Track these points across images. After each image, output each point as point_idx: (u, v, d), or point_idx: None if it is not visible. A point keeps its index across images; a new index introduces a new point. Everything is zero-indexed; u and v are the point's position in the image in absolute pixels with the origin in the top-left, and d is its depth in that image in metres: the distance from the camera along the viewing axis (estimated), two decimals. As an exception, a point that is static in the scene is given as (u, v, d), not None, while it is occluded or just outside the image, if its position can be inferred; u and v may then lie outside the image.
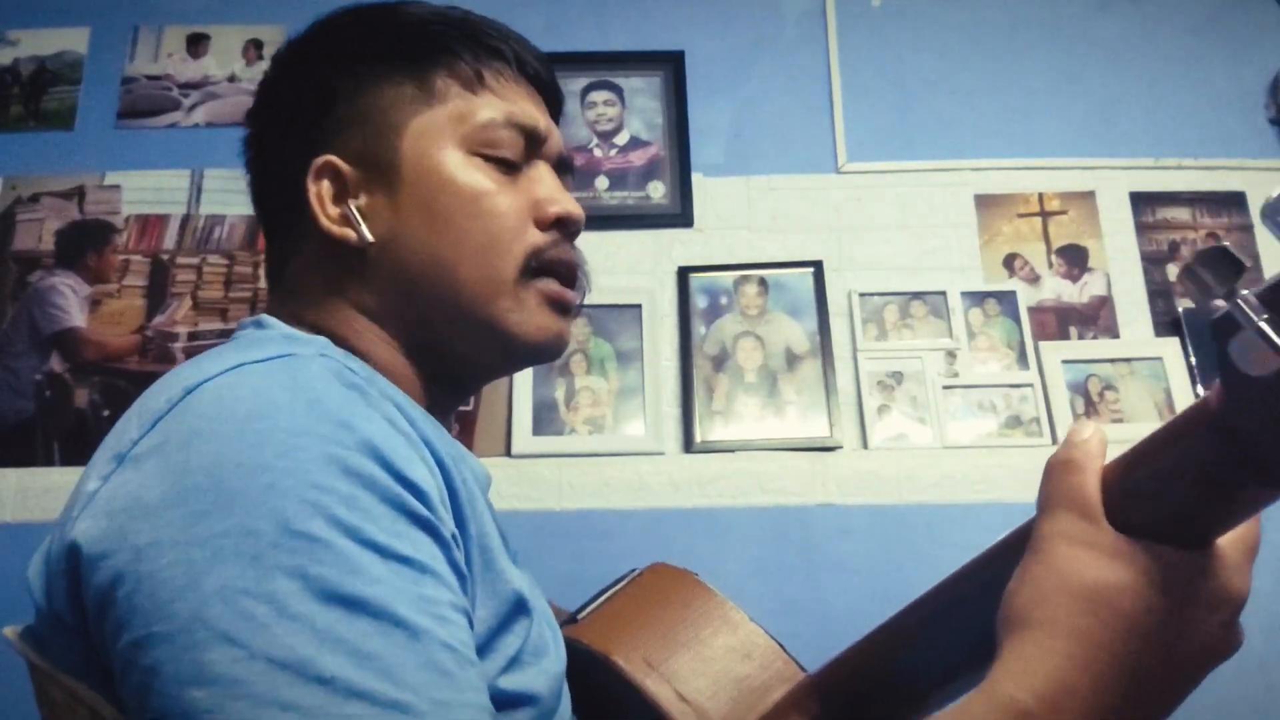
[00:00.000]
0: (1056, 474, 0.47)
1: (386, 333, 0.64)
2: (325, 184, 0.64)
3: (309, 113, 0.66)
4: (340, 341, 0.62)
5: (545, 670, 0.56)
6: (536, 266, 0.65)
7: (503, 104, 0.66)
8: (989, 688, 0.44)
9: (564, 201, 0.66)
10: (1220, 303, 0.37)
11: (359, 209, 0.63)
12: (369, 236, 0.63)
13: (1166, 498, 0.43)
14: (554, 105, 0.72)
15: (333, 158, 0.64)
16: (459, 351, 0.65)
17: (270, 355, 0.51)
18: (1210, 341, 0.38)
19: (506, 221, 0.64)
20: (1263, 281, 0.36)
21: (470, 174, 0.64)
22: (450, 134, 0.64)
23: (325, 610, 0.42)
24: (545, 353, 0.66)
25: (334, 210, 0.63)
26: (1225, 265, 0.37)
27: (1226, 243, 0.37)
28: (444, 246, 0.62)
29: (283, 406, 0.47)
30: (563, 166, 0.70)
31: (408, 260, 0.63)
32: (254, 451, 0.45)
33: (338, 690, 0.41)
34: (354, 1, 0.70)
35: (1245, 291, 0.36)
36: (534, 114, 0.67)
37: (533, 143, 0.67)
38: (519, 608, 0.54)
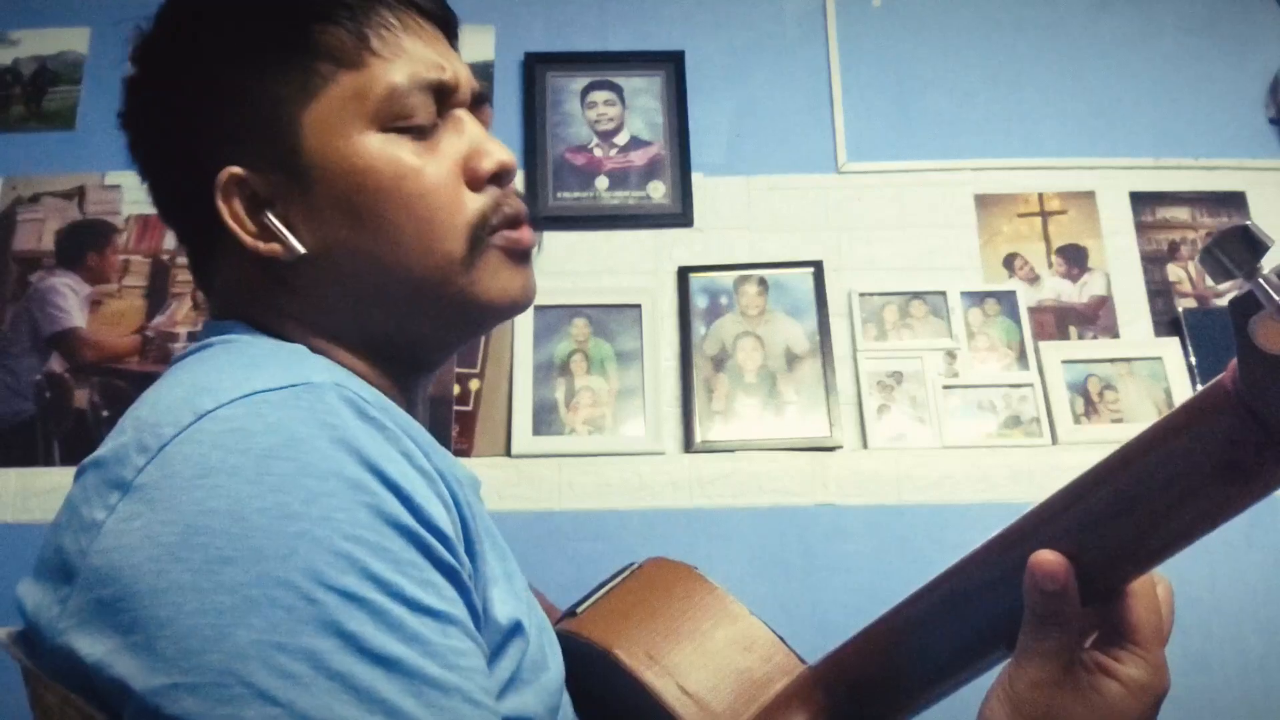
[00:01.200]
0: None
1: (342, 341, 0.60)
2: (235, 201, 0.58)
3: (195, 121, 0.59)
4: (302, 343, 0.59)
5: (544, 686, 0.55)
6: (486, 232, 0.60)
7: (396, 66, 0.58)
8: None
9: (493, 152, 0.60)
10: (1238, 283, 0.37)
11: (280, 219, 0.58)
12: (299, 248, 0.57)
13: (1177, 489, 0.42)
14: (450, 32, 0.64)
15: (236, 169, 0.57)
16: (425, 334, 0.61)
17: (282, 383, 0.48)
18: (1229, 320, 0.37)
19: (439, 198, 0.58)
20: None
21: (384, 156, 0.57)
22: (350, 117, 0.57)
23: (362, 668, 0.41)
24: (516, 308, 0.62)
25: (252, 226, 0.58)
26: (1245, 244, 0.37)
27: (1248, 222, 0.37)
28: (381, 245, 0.57)
29: (304, 443, 0.45)
30: (479, 100, 0.63)
31: (347, 267, 0.58)
32: (278, 495, 0.43)
33: None
34: None
35: (1267, 270, 0.36)
36: (435, 62, 0.60)
37: (443, 95, 0.60)
38: (514, 632, 0.54)
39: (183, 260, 1.84)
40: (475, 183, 0.60)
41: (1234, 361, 0.39)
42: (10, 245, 1.85)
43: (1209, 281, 1.85)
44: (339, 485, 0.44)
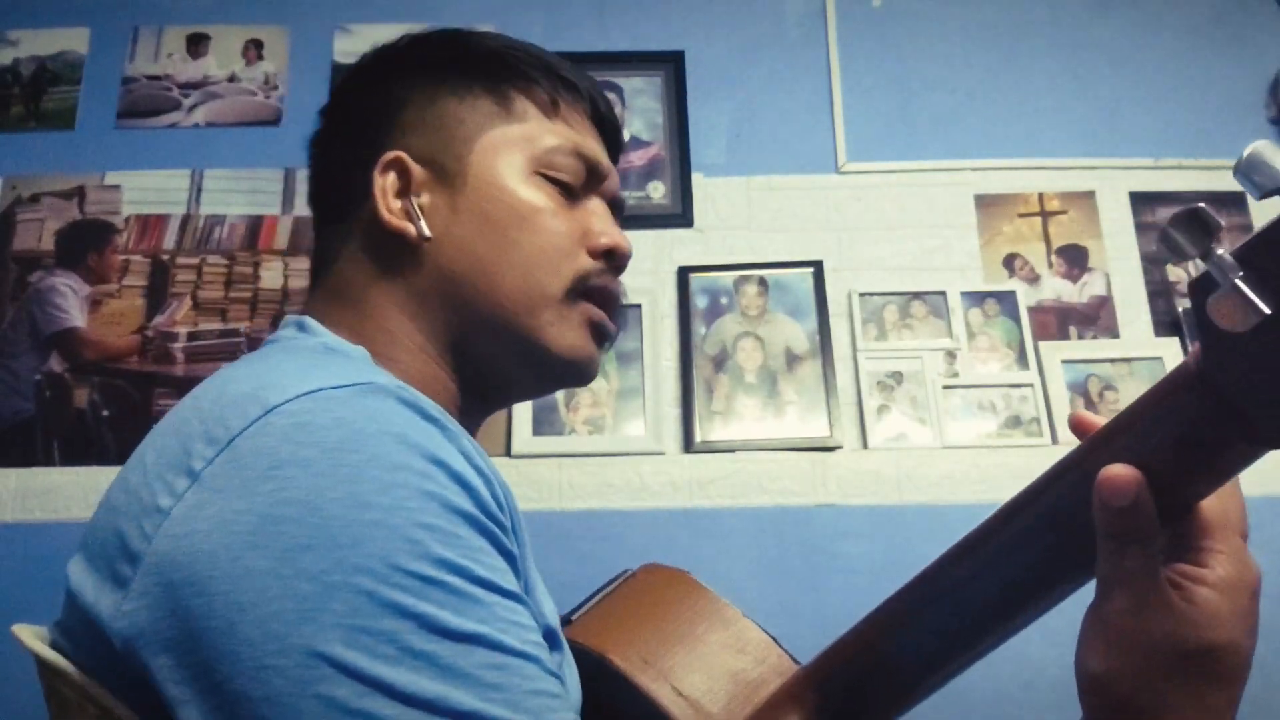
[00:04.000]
0: None
1: (422, 334, 0.65)
2: (391, 178, 0.66)
3: (380, 112, 0.69)
4: (377, 348, 0.63)
5: (570, 704, 0.56)
6: (583, 290, 0.67)
7: (572, 134, 0.70)
8: None
9: (616, 235, 0.69)
10: (1197, 263, 0.38)
11: (420, 206, 0.66)
12: (426, 232, 0.65)
13: (1152, 465, 0.42)
14: (615, 150, 0.76)
15: (401, 154, 0.66)
16: (492, 359, 0.67)
17: (346, 382, 0.50)
18: (1190, 301, 0.38)
19: (559, 241, 0.67)
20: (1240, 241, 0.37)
21: (531, 190, 0.67)
22: (519, 151, 0.67)
23: (445, 646, 0.43)
24: (577, 372, 0.68)
25: (395, 204, 0.66)
26: (1198, 226, 0.38)
27: (1200, 204, 0.38)
28: (492, 252, 0.65)
29: (371, 438, 0.47)
30: (616, 207, 0.73)
31: (456, 260, 0.65)
32: (350, 486, 0.45)
33: None
34: (429, 28, 0.74)
35: (1221, 250, 0.37)
36: (598, 151, 0.71)
37: (594, 176, 0.70)
38: (551, 640, 0.55)
39: (182, 260, 1.85)
40: (593, 250, 0.68)
41: (1197, 344, 0.40)
42: (10, 245, 1.85)
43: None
44: (408, 476, 0.46)
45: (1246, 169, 0.37)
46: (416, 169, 0.66)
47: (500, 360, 0.67)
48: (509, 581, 0.47)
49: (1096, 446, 0.45)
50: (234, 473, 0.46)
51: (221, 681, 0.43)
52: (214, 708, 0.44)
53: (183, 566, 0.45)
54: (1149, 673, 0.43)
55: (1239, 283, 0.36)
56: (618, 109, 1.96)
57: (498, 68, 0.70)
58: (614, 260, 0.69)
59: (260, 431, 0.47)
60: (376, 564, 0.43)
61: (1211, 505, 0.44)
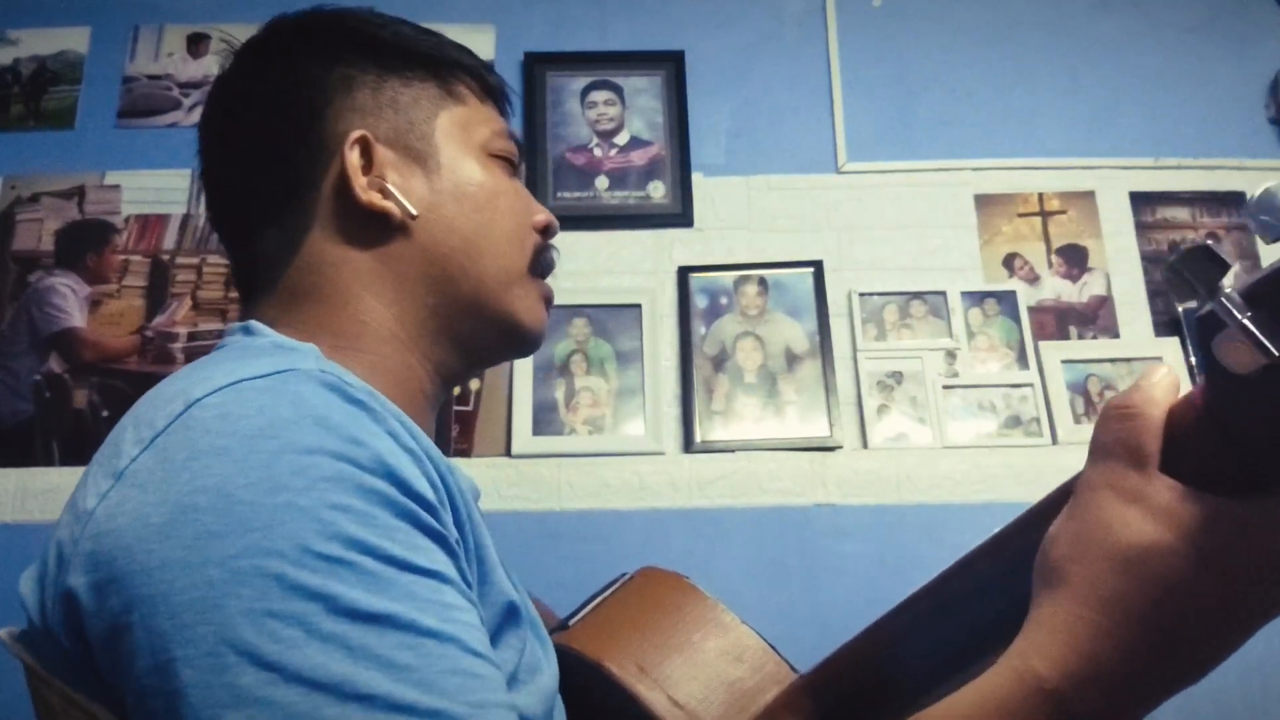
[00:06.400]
0: (1111, 419, 0.44)
1: (395, 319, 0.65)
2: (354, 157, 0.65)
3: (325, 95, 0.67)
4: (342, 341, 0.62)
5: (540, 688, 0.56)
6: (537, 265, 0.71)
7: (498, 115, 0.73)
8: (1015, 661, 0.43)
9: (546, 211, 0.73)
10: (1198, 302, 0.37)
11: (394, 186, 0.65)
12: (413, 210, 0.65)
13: (1238, 442, 0.40)
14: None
15: (366, 133, 0.65)
16: (466, 337, 0.68)
17: (268, 371, 0.50)
18: (1194, 339, 0.38)
19: (521, 219, 0.70)
20: (1245, 279, 0.36)
21: (493, 171, 0.69)
22: (471, 133, 0.69)
23: (355, 628, 0.42)
24: (536, 342, 0.72)
25: (363, 182, 0.65)
26: (1207, 263, 0.37)
27: (1209, 241, 0.37)
28: (475, 231, 0.67)
29: (290, 423, 0.46)
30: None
31: (440, 240, 0.66)
32: (265, 471, 0.44)
33: (378, 706, 0.41)
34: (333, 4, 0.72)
35: (1229, 289, 0.36)
36: (512, 129, 0.75)
37: (518, 156, 0.73)
38: (512, 617, 0.54)
39: (182, 260, 1.84)
40: (536, 226, 0.72)
41: (1202, 380, 0.39)
42: (9, 245, 1.85)
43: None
44: (323, 459, 0.45)
45: (1257, 209, 0.37)
46: (382, 149, 0.66)
47: (477, 336, 0.68)
48: (433, 561, 0.46)
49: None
50: (155, 467, 0.46)
51: (138, 676, 0.43)
52: (135, 705, 0.44)
53: (102, 565, 0.45)
54: (1099, 559, 0.41)
55: (1247, 323, 0.35)
56: (616, 108, 1.97)
57: (428, 51, 0.70)
58: (549, 235, 0.73)
59: (182, 425, 0.47)
60: (287, 546, 0.43)
61: None
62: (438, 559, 0.47)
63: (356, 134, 0.65)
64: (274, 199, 0.67)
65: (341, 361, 0.58)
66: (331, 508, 0.44)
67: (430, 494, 0.48)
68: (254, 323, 0.62)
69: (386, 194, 0.65)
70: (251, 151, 0.68)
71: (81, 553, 0.46)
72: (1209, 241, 0.37)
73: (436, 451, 0.53)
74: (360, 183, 0.64)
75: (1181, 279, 0.38)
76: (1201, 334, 0.38)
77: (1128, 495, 0.42)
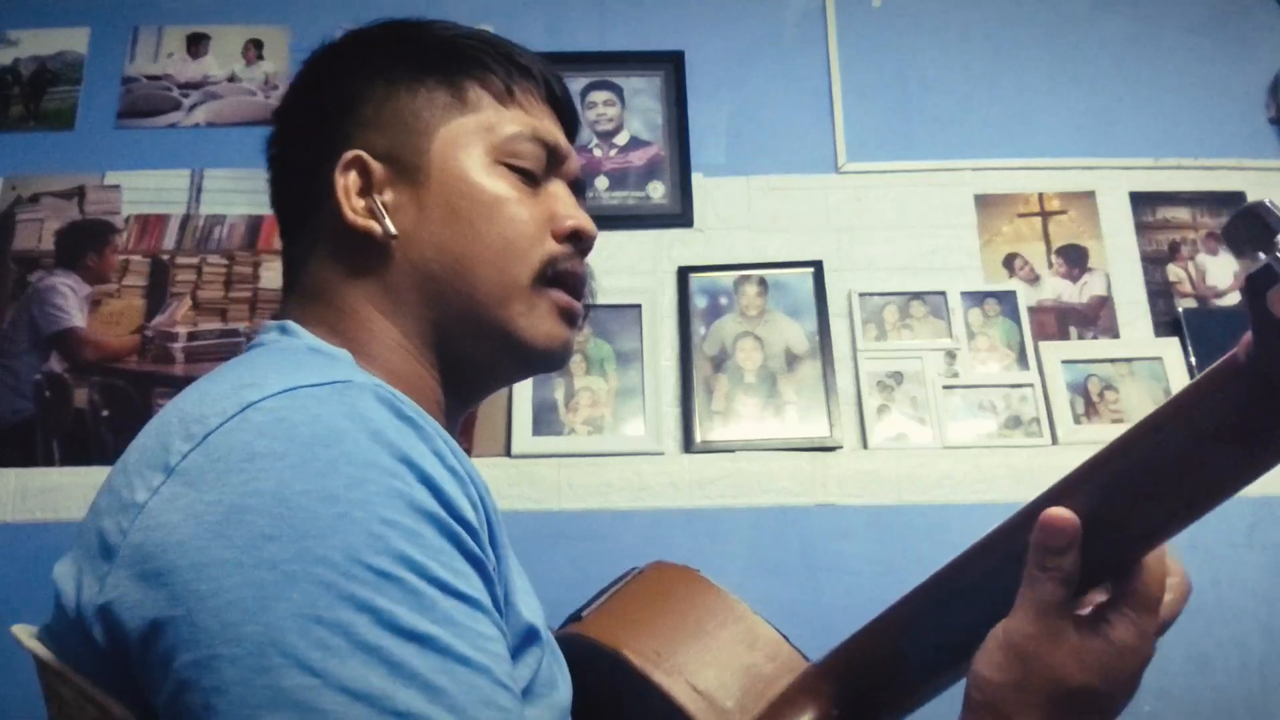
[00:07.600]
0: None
1: (400, 331, 0.65)
2: (352, 176, 0.65)
3: (337, 111, 0.68)
4: (359, 346, 0.63)
5: (554, 704, 0.56)
6: (551, 275, 0.67)
7: (529, 119, 0.69)
8: None
9: (579, 217, 0.69)
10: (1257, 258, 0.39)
11: (384, 204, 0.65)
12: (392, 229, 0.64)
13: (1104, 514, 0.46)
14: (572, 130, 0.75)
15: (361, 152, 0.66)
16: (469, 354, 0.67)
17: (323, 380, 0.50)
18: (1246, 294, 0.40)
19: (525, 229, 0.67)
20: None
21: (494, 180, 0.66)
22: (478, 141, 0.67)
23: (397, 644, 0.43)
24: (551, 359, 0.69)
25: (359, 203, 0.65)
26: (1261, 223, 0.40)
27: (1264, 200, 0.41)
28: (463, 246, 0.65)
29: (346, 435, 0.47)
30: (578, 187, 0.73)
31: (427, 257, 0.65)
32: (320, 480, 0.45)
33: None
34: (386, 17, 0.73)
35: None
36: (556, 133, 0.71)
37: (553, 160, 0.70)
38: (531, 639, 0.55)
39: (182, 260, 1.85)
40: (557, 234, 0.68)
41: (1247, 335, 0.41)
42: (10, 245, 1.85)
43: (1208, 280, 1.85)
44: (376, 474, 0.46)
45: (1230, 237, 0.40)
46: (377, 166, 0.66)
47: (479, 352, 0.67)
48: (471, 586, 0.47)
49: (1114, 454, 0.47)
50: (208, 466, 0.47)
51: (178, 669, 0.44)
52: (171, 696, 0.44)
53: (153, 558, 0.46)
54: (1032, 692, 0.48)
55: None
56: (615, 108, 1.96)
57: (450, 58, 0.69)
58: (580, 242, 0.69)
59: (237, 426, 0.48)
60: (338, 556, 0.43)
61: (1152, 583, 0.49)
62: (475, 585, 0.47)
63: (350, 155, 0.65)
64: (295, 209, 0.70)
65: (365, 368, 0.58)
66: (383, 522, 0.45)
67: (472, 516, 0.49)
68: (290, 323, 0.64)
69: (375, 213, 0.65)
70: (284, 163, 0.71)
71: (130, 544, 0.47)
72: (1265, 200, 0.41)
73: (476, 471, 0.53)
74: (351, 204, 0.65)
75: (1238, 235, 0.40)
76: (1253, 288, 0.40)
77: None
